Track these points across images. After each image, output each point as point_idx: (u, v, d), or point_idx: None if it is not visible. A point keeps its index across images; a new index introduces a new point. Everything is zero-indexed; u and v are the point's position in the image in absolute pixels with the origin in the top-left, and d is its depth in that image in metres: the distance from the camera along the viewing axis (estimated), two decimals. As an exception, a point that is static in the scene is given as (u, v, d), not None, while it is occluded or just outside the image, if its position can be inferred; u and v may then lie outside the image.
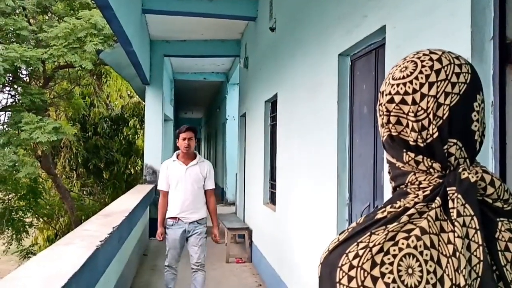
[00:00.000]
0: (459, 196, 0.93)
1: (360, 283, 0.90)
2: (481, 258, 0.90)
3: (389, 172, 1.11)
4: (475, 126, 0.99)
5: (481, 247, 0.90)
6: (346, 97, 4.18)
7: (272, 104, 7.68)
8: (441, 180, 0.98)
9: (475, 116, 0.99)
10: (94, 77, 18.38)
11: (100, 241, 4.03)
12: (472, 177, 0.95)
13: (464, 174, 0.95)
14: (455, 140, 0.98)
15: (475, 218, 0.92)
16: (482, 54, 2.30)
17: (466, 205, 0.92)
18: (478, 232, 0.91)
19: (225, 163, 16.25)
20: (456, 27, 2.43)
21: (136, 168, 19.44)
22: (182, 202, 5.83)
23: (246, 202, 10.38)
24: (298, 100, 5.60)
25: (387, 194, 3.20)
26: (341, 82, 4.20)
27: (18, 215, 16.56)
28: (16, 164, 13.11)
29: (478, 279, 0.90)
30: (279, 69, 6.71)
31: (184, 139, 5.85)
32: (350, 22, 3.90)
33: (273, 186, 7.54)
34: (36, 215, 17.39)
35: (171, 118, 16.02)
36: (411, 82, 0.99)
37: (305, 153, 5.32)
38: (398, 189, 1.06)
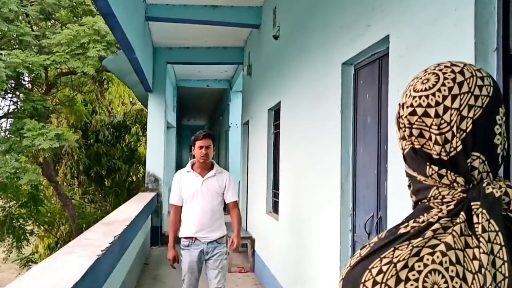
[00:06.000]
0: (484, 211, 0.92)
1: None
2: (506, 275, 0.89)
3: (409, 186, 1.09)
4: (498, 139, 0.98)
5: (506, 264, 0.90)
6: (350, 106, 4.17)
7: (276, 112, 7.67)
8: (464, 195, 0.96)
9: (497, 129, 0.98)
10: (97, 84, 18.40)
11: (102, 250, 4.02)
12: (496, 192, 0.94)
13: (488, 188, 0.94)
14: (478, 154, 0.97)
15: (500, 234, 0.91)
16: (486, 65, 2.29)
17: (491, 221, 0.91)
18: (503, 248, 0.90)
19: (227, 171, 16.24)
20: (460, 38, 2.42)
21: (138, 176, 19.43)
22: (199, 219, 5.14)
23: (248, 211, 10.36)
24: (302, 109, 5.59)
25: (391, 204, 3.18)
26: (344, 91, 4.19)
27: (18, 223, 16.51)
28: (18, 171, 13.09)
29: None
30: (282, 77, 6.71)
31: (201, 147, 5.15)
32: (353, 31, 3.89)
33: (276, 195, 7.51)
34: (37, 223, 17.35)
35: (173, 125, 16.03)
36: (433, 94, 0.98)
37: (308, 162, 5.30)
38: (420, 203, 1.05)
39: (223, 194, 5.30)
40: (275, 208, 7.65)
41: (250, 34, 10.17)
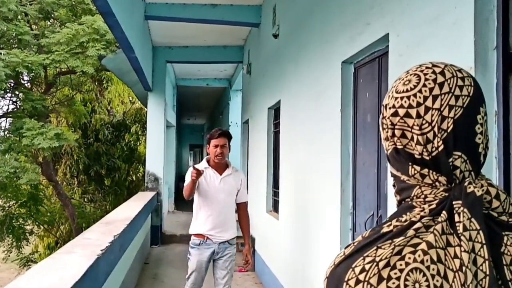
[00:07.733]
0: (465, 210, 0.93)
1: None
2: (487, 273, 0.90)
3: (393, 186, 1.11)
4: (479, 138, 1.00)
5: (487, 262, 0.91)
6: (350, 105, 4.17)
7: (276, 111, 7.66)
8: (447, 194, 0.98)
9: (478, 128, 0.99)
10: (96, 83, 18.38)
11: (101, 250, 4.01)
12: (478, 190, 0.95)
13: (470, 187, 0.95)
14: (459, 153, 0.98)
15: (481, 232, 0.92)
16: (486, 64, 2.28)
17: (472, 219, 0.92)
18: (484, 246, 0.91)
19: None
20: (460, 36, 2.42)
21: (138, 175, 19.43)
22: (214, 217, 5.01)
23: (248, 210, 10.34)
24: (302, 107, 5.59)
25: (391, 203, 3.18)
26: (344, 89, 4.19)
27: (18, 223, 16.49)
28: (17, 170, 13.08)
29: None
30: (282, 76, 6.70)
31: (216, 146, 4.98)
32: (353, 29, 3.89)
33: (276, 194, 7.51)
34: (37, 223, 17.33)
35: (173, 124, 16.02)
36: (414, 95, 0.99)
37: (308, 161, 5.30)
38: (403, 202, 1.06)
39: (237, 193, 5.25)
40: (275, 207, 7.65)
41: (249, 33, 10.17)
